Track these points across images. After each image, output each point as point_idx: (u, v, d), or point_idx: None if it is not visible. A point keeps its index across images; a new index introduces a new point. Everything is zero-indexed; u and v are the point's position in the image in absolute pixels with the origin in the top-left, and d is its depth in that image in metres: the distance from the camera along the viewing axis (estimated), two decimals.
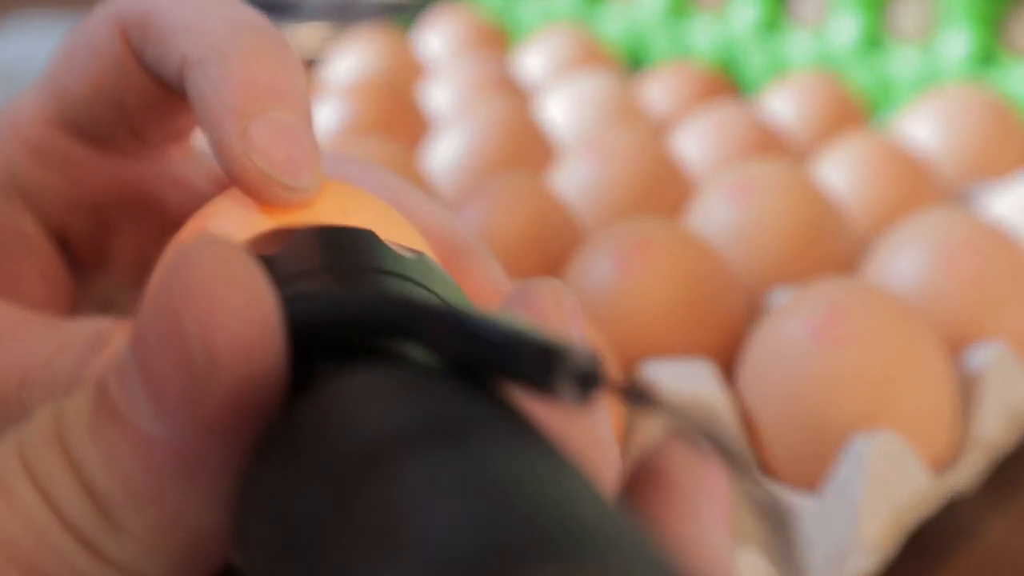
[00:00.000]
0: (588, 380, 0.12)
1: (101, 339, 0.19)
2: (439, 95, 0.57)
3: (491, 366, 0.12)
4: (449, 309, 0.12)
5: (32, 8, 0.90)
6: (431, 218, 0.21)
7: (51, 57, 0.23)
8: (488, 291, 0.20)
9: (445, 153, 0.48)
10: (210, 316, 0.12)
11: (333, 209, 0.18)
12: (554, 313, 0.14)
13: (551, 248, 0.38)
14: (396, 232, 0.18)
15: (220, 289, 0.12)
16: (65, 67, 0.23)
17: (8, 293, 0.24)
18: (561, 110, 0.54)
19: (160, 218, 0.25)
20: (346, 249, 0.16)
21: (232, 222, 0.18)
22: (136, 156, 0.24)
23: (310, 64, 0.62)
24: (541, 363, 0.11)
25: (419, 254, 0.17)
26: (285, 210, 0.18)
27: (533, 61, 0.65)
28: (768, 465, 0.31)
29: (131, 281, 0.26)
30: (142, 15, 0.21)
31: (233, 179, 0.18)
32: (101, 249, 0.25)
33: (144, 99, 0.22)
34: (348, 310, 0.13)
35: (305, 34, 0.80)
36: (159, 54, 0.20)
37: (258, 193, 0.18)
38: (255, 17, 0.20)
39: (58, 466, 0.13)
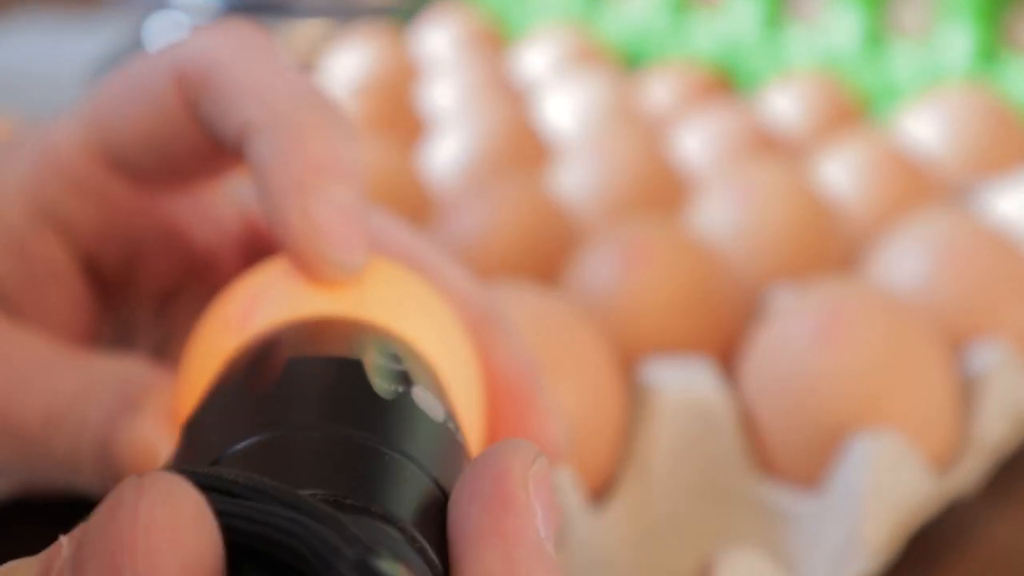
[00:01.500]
0: None
1: (129, 394, 0.19)
2: (437, 94, 0.57)
3: None
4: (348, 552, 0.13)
5: (30, 7, 0.90)
6: (456, 284, 0.21)
7: (97, 91, 0.23)
8: (511, 367, 0.21)
9: (444, 153, 0.48)
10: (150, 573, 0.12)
11: (379, 295, 0.19)
12: (518, 482, 0.15)
13: (550, 248, 0.38)
14: (430, 323, 0.19)
15: (164, 544, 0.12)
16: (113, 106, 0.23)
17: (36, 319, 0.24)
18: (560, 110, 0.54)
19: (187, 251, 0.25)
20: (331, 397, 0.16)
21: (286, 292, 0.19)
22: (171, 192, 0.24)
23: (308, 63, 0.62)
24: None
25: (405, 388, 0.17)
26: (332, 286, 0.19)
27: (532, 60, 0.64)
28: (769, 464, 0.31)
29: (153, 308, 0.26)
30: (204, 72, 0.21)
31: (290, 252, 0.19)
32: (126, 277, 0.25)
33: (192, 148, 0.22)
34: (282, 532, 0.13)
35: (302, 32, 0.80)
36: (218, 113, 0.21)
37: (310, 268, 0.19)
38: (316, 87, 0.21)
39: None
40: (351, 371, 0.17)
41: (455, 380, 0.19)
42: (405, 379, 0.17)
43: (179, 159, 0.23)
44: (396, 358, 0.17)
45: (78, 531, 0.13)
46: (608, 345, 0.31)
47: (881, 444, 0.28)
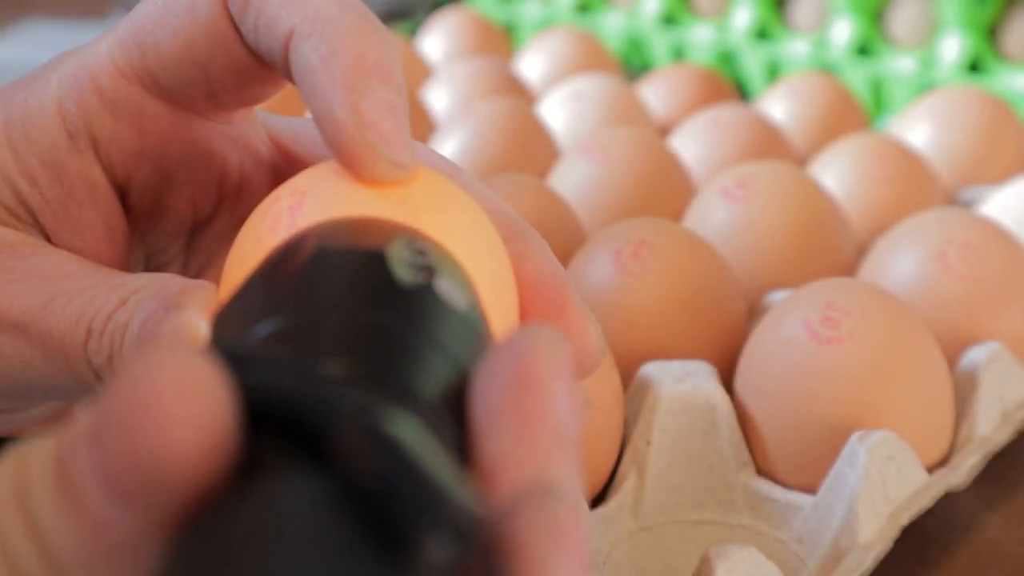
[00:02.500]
0: (458, 539, 0.13)
1: (170, 297, 0.19)
2: (442, 97, 0.58)
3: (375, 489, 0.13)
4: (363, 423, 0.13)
5: (34, 15, 0.90)
6: (487, 203, 0.21)
7: (135, 11, 0.23)
8: (545, 274, 0.21)
9: (447, 155, 0.48)
10: (163, 434, 0.13)
11: (420, 198, 0.19)
12: (541, 363, 0.14)
13: (551, 248, 0.38)
14: (467, 227, 0.19)
15: (176, 406, 0.13)
16: (155, 22, 0.23)
17: (71, 238, 0.24)
18: (562, 112, 0.54)
19: (219, 176, 0.25)
20: (357, 283, 0.17)
21: (331, 193, 0.19)
22: (205, 115, 0.24)
23: None
24: (418, 510, 0.12)
25: (428, 278, 0.17)
26: (382, 186, 0.19)
27: (534, 64, 0.65)
28: (766, 463, 0.31)
29: (184, 237, 0.26)
30: None
31: (339, 150, 0.19)
32: (158, 202, 0.25)
33: (231, 66, 0.22)
34: (295, 398, 0.13)
35: None
36: (262, 24, 0.21)
37: (363, 166, 0.19)
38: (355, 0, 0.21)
39: (18, 524, 0.13)
40: (374, 261, 0.17)
41: (491, 282, 0.19)
42: (429, 271, 0.17)
43: (218, 79, 0.23)
44: (422, 252, 0.18)
45: (94, 404, 0.13)
46: (608, 345, 0.31)
47: (876, 442, 0.28)
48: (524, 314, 0.21)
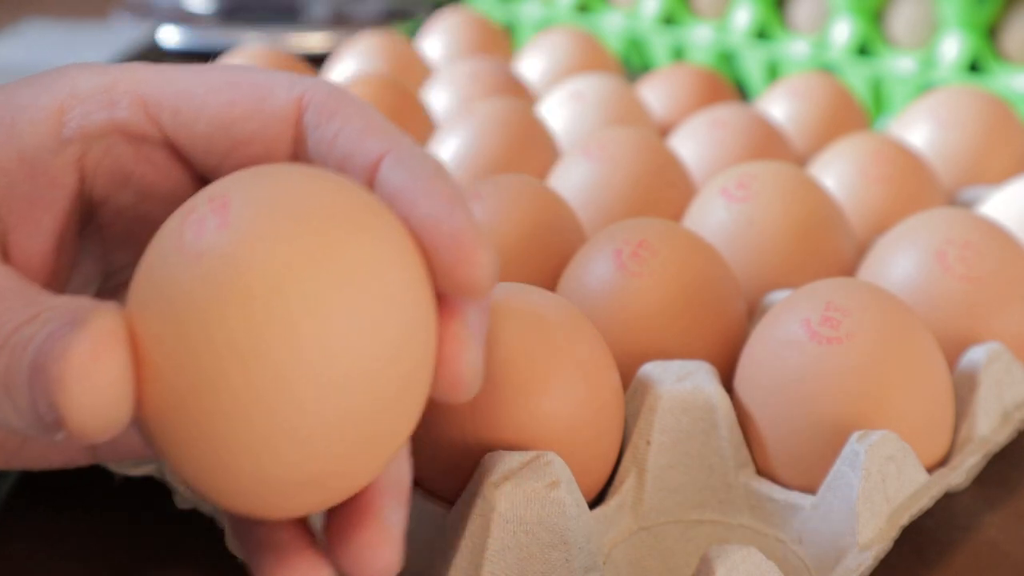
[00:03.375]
0: None
1: (78, 319, 0.19)
2: (442, 97, 0.58)
3: None
4: None
5: (34, 15, 0.91)
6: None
7: (203, 68, 0.24)
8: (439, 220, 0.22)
9: (447, 155, 0.48)
10: (67, 404, 0.18)
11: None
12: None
13: (551, 248, 0.38)
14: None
15: (82, 382, 0.18)
16: (211, 91, 0.24)
17: (27, 240, 0.24)
18: (562, 112, 0.54)
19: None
20: None
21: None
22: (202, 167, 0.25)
23: (314, 70, 0.62)
24: None
25: None
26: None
27: (534, 64, 0.65)
28: (766, 463, 0.31)
29: (137, 251, 0.26)
30: (335, 104, 0.24)
31: (454, 246, 0.21)
32: (130, 224, 0.25)
33: (265, 152, 0.24)
34: None
35: (308, 42, 0.80)
36: (343, 138, 0.23)
37: (473, 255, 0.21)
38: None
39: None
40: None
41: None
42: None
43: (239, 155, 0.24)
44: None
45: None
46: (608, 345, 0.31)
47: (877, 442, 0.28)
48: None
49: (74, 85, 0.24)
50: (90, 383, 0.18)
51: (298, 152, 0.24)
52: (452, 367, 0.21)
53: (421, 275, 0.21)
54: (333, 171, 0.22)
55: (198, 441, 0.19)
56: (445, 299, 0.22)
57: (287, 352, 0.19)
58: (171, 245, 0.20)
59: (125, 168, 0.24)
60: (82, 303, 0.20)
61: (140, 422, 0.20)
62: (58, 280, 0.25)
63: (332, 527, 0.22)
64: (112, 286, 0.27)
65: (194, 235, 0.19)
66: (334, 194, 0.20)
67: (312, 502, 0.20)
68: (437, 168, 0.22)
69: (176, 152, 0.24)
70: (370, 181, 0.22)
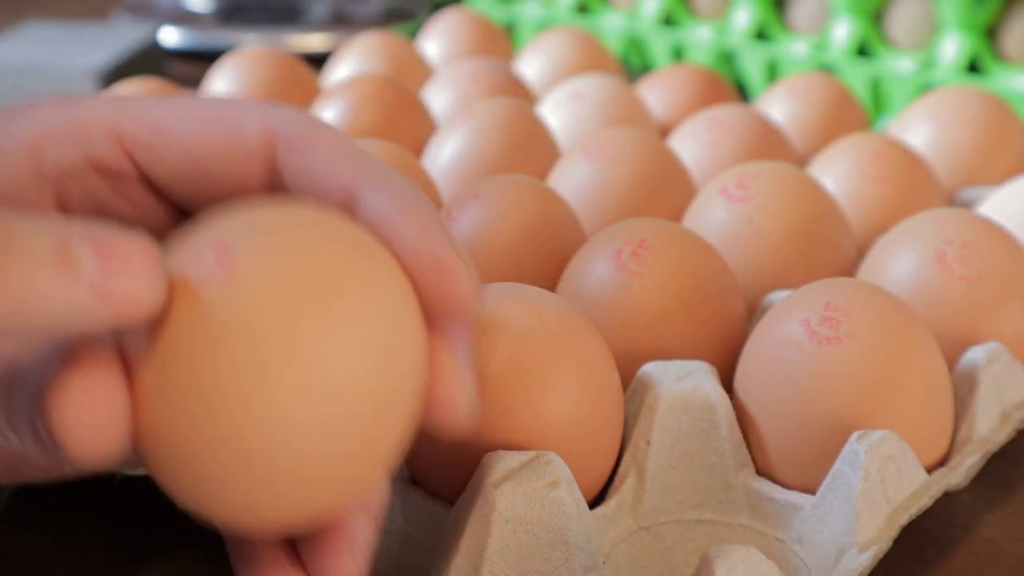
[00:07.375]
0: None
1: (66, 256, 0.19)
2: (442, 97, 0.58)
3: None
4: None
5: (34, 15, 0.91)
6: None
7: (168, 100, 0.25)
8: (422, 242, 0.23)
9: (446, 155, 0.48)
10: (68, 434, 0.19)
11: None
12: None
13: (551, 248, 0.38)
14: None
15: (83, 418, 0.19)
16: (178, 122, 0.24)
17: None
18: (562, 112, 0.54)
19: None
20: None
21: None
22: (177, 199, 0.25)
23: (314, 71, 0.62)
24: None
25: None
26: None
27: (534, 64, 0.65)
28: (766, 464, 0.31)
29: None
30: (307, 137, 0.24)
31: (439, 269, 0.22)
32: None
33: (238, 184, 0.24)
34: None
35: (309, 42, 0.80)
36: (318, 169, 0.23)
37: (457, 280, 0.22)
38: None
39: None
40: None
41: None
42: None
43: (214, 189, 0.24)
44: None
45: None
46: (608, 345, 0.31)
47: (877, 442, 0.28)
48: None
49: (47, 120, 0.24)
50: (87, 416, 0.20)
51: (273, 182, 0.24)
52: (448, 407, 0.23)
53: (414, 317, 0.22)
54: (315, 205, 0.23)
55: (187, 468, 0.20)
56: (434, 329, 0.22)
57: (292, 397, 0.20)
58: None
59: (102, 203, 0.24)
60: (60, 228, 0.21)
61: (133, 440, 0.21)
62: None
63: (301, 538, 0.23)
64: None
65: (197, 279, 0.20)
66: (332, 242, 0.21)
67: (296, 526, 0.22)
68: (415, 193, 0.23)
69: (151, 185, 0.24)
70: (349, 209, 0.23)
